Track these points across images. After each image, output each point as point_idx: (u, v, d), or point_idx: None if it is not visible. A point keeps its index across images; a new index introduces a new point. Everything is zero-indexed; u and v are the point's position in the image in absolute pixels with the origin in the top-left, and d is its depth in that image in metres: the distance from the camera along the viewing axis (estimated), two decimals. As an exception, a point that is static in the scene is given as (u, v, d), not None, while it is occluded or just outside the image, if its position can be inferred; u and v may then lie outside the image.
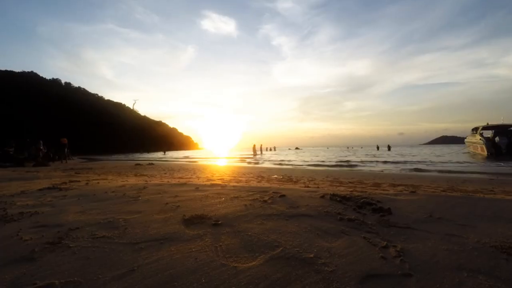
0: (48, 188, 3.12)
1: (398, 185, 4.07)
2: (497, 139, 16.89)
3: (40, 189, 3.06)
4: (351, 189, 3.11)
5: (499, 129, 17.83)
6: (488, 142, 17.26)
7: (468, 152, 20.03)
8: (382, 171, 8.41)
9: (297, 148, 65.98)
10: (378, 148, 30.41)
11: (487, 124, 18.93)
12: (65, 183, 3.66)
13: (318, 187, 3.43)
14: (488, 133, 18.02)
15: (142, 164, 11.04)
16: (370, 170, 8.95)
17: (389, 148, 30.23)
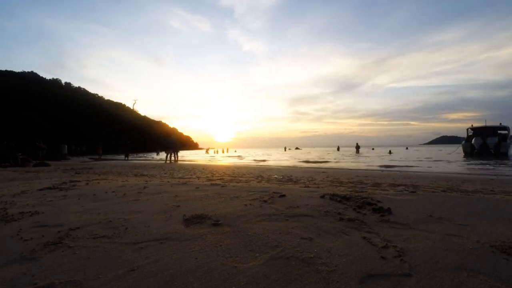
0: (49, 188, 3.12)
1: (398, 185, 4.07)
2: (473, 140, 18.09)
3: (40, 189, 3.06)
4: (351, 189, 3.11)
5: (478, 131, 19.04)
6: (466, 142, 18.70)
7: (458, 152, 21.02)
8: (382, 171, 8.40)
9: (297, 148, 66.07)
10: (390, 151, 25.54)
11: (472, 126, 20.08)
12: (65, 183, 3.66)
13: (318, 187, 3.43)
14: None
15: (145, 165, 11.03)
16: (370, 170, 8.94)
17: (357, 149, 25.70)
